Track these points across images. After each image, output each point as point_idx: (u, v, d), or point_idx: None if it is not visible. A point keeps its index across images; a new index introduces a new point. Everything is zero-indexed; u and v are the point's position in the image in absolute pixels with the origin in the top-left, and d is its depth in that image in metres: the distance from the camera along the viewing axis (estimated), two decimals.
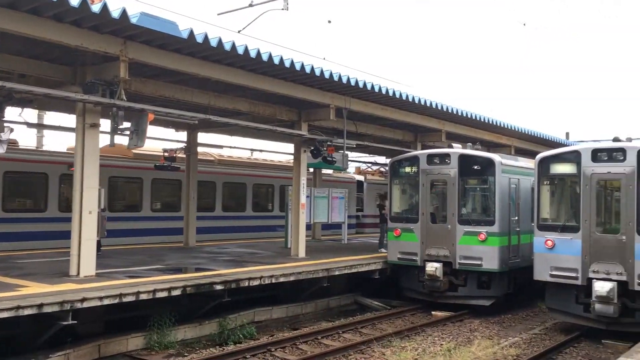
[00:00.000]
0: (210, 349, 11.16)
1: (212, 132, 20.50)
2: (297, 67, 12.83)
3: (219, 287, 11.65)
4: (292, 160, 21.08)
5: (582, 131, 60.73)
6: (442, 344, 11.70)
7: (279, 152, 27.43)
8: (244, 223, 24.00)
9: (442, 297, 15.06)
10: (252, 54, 11.77)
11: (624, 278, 11.64)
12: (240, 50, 11.51)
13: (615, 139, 12.91)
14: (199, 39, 10.71)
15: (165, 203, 21.68)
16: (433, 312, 14.83)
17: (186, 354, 10.68)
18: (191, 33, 10.54)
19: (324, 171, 25.08)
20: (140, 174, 20.47)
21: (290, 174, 17.96)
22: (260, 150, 31.11)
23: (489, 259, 14.39)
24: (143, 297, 10.34)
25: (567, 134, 35.50)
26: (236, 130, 19.39)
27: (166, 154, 19.41)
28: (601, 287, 11.66)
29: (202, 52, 11.50)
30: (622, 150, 12.01)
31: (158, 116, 12.47)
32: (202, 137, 20.33)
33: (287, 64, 12.53)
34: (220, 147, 24.39)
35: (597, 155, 12.30)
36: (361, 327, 13.21)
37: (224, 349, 11.06)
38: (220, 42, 11.07)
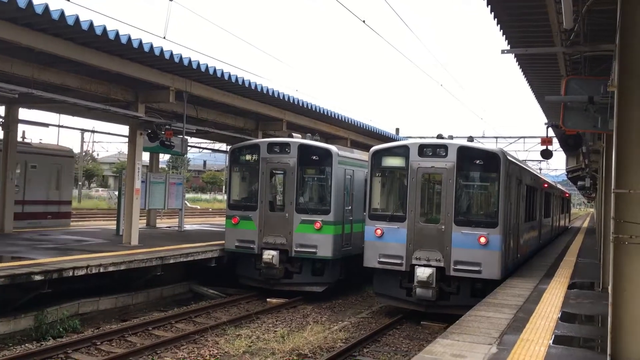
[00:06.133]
0: (27, 344, 10.22)
1: (37, 109, 18.74)
2: (135, 44, 12.12)
3: (38, 277, 10.68)
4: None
5: (410, 127, 65.41)
6: (276, 331, 11.88)
7: (114, 134, 25.96)
8: None
9: (277, 284, 15.29)
10: (84, 26, 10.88)
11: (441, 264, 12.71)
12: (70, 21, 10.58)
13: (439, 136, 13.99)
14: (22, 4, 9.65)
15: None
16: (268, 300, 15.01)
17: None
18: None
19: None
20: None
21: None
22: (93, 131, 29.23)
23: (324, 247, 14.88)
24: None
25: (397, 130, 37.86)
26: (65, 107, 17.87)
27: None
28: (422, 273, 12.62)
29: (25, 19, 10.38)
30: (445, 147, 13.06)
31: None
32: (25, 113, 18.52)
33: (123, 40, 11.78)
34: (47, 125, 22.39)
35: (423, 150, 13.23)
36: (195, 317, 12.96)
37: (42, 344, 10.19)
38: (47, 9, 10.08)
